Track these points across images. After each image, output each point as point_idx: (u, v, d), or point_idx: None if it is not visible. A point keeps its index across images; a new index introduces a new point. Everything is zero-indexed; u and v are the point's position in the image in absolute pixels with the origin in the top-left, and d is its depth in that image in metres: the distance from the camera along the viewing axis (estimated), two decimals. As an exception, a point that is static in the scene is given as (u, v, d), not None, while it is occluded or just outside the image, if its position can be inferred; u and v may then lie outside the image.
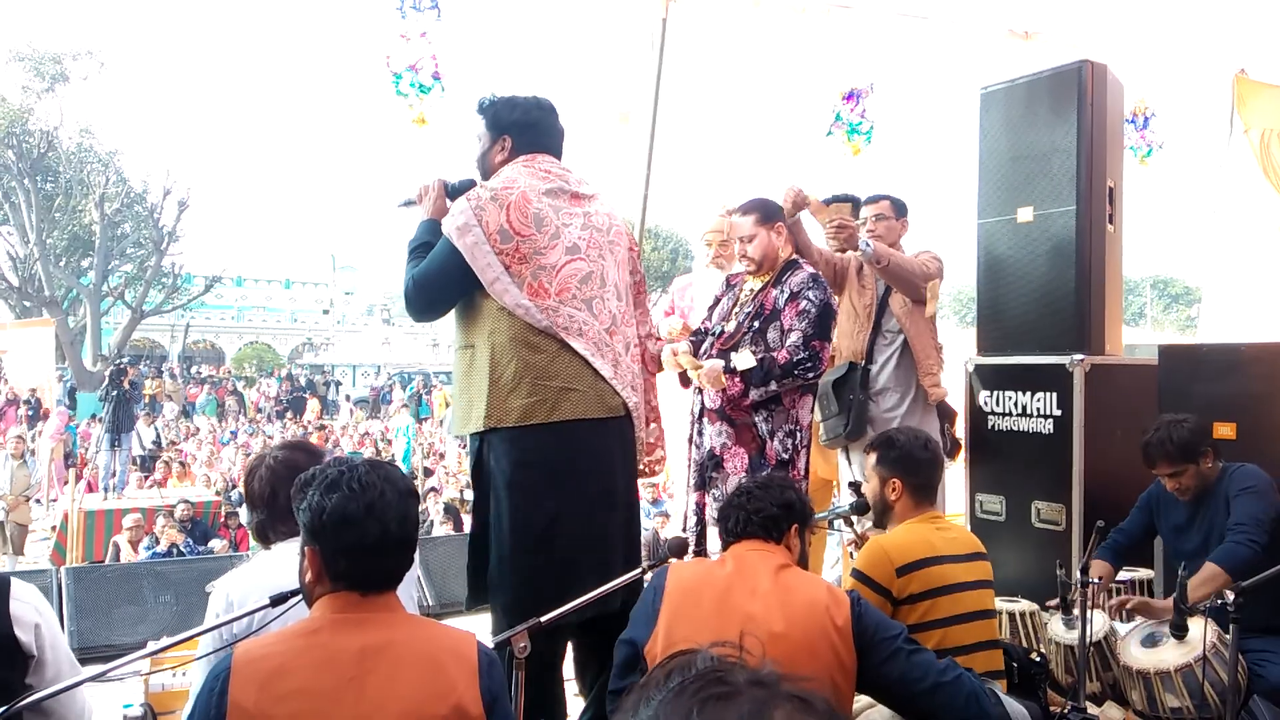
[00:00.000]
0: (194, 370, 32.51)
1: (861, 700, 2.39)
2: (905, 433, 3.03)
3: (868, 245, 3.93)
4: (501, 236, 2.77)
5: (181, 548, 8.80)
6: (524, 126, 3.00)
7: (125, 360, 19.81)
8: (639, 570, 2.41)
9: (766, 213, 3.57)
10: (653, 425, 3.21)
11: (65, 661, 2.21)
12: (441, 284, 2.85)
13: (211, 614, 2.23)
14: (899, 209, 4.29)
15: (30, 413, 17.66)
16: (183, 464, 13.58)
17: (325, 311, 42.87)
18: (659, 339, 3.31)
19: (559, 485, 2.79)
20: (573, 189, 2.96)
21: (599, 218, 2.98)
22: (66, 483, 11.20)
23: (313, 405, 24.33)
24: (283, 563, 2.19)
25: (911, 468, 2.89)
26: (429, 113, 4.55)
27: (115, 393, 13.77)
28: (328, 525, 1.73)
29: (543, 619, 2.08)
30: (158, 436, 14.66)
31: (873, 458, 2.97)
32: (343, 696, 1.64)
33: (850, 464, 4.20)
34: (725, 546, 2.36)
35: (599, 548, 2.84)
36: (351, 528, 1.72)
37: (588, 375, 2.82)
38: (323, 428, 20.60)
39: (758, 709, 0.76)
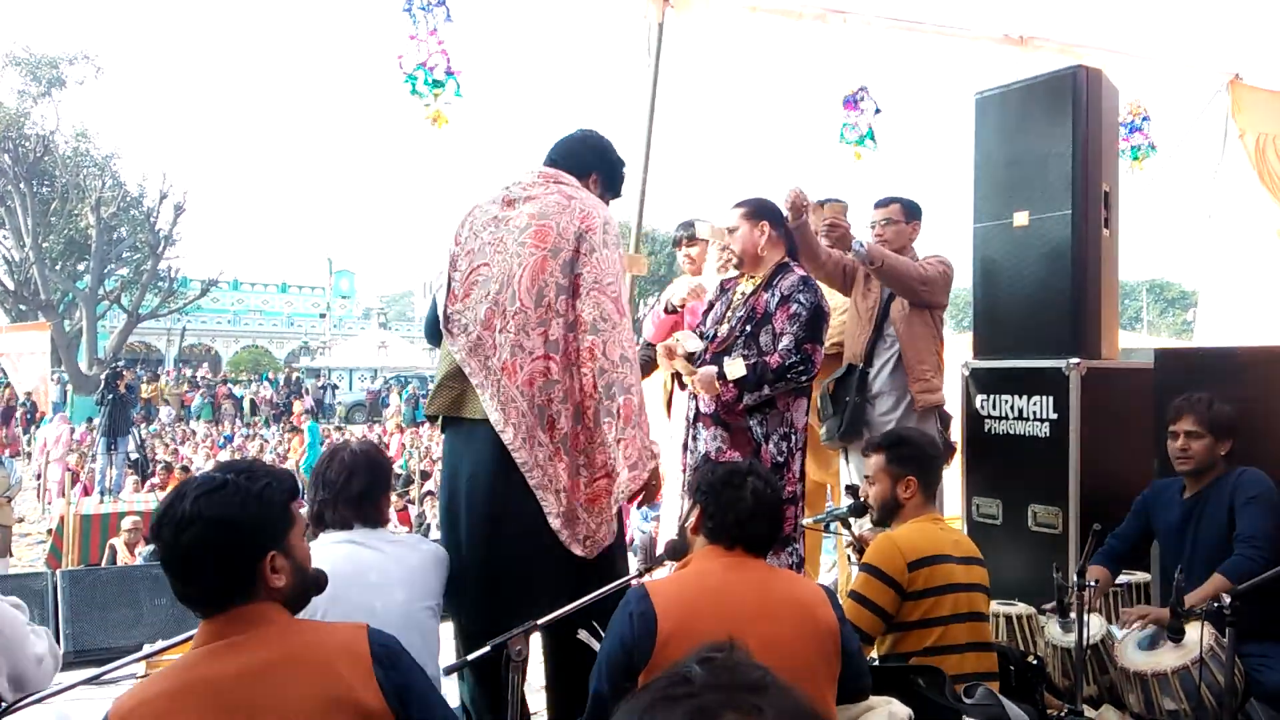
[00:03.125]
0: (189, 374, 32.44)
1: (868, 703, 2.38)
2: (914, 432, 3.05)
3: (861, 245, 3.91)
4: (453, 244, 2.94)
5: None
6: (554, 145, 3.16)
7: (121, 364, 19.72)
8: (632, 575, 2.40)
9: (755, 208, 3.56)
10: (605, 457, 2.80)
11: (29, 654, 2.17)
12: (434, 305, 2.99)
13: None
14: (910, 212, 4.23)
15: (27, 416, 17.63)
16: (168, 467, 13.50)
17: (322, 315, 42.76)
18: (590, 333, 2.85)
19: (454, 480, 2.88)
20: (511, 195, 2.94)
21: (519, 218, 2.87)
22: (63, 487, 11.16)
23: (298, 407, 24.44)
24: (321, 553, 2.26)
25: (926, 466, 2.93)
26: (445, 111, 4.59)
27: (111, 396, 13.73)
28: None
29: (539, 622, 2.09)
30: (140, 444, 14.49)
31: (882, 457, 2.97)
32: None
33: (849, 466, 4.20)
34: (711, 546, 2.24)
35: (483, 556, 2.75)
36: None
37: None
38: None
39: (698, 713, 0.74)
